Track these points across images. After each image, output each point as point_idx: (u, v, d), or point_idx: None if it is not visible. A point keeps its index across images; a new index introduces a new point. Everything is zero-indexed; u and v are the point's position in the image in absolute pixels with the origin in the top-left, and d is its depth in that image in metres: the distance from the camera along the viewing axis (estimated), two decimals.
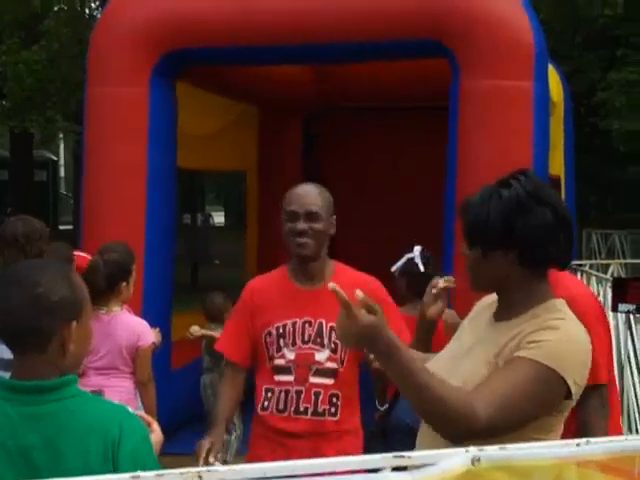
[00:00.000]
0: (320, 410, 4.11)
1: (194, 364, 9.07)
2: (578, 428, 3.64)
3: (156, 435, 2.96)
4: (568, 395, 2.74)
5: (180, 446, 7.93)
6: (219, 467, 1.66)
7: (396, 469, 1.95)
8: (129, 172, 7.99)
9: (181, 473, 1.61)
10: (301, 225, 4.13)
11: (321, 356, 4.12)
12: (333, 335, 4.08)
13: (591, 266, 11.34)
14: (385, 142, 11.77)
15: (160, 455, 6.20)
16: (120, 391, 5.69)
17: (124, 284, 5.83)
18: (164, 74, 8.42)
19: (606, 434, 3.48)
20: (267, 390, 4.20)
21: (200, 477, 1.62)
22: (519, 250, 2.80)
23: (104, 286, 5.71)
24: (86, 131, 8.51)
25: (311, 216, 4.12)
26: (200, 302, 8.62)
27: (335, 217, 4.23)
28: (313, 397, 4.10)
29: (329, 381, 4.09)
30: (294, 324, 4.15)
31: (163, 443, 5.39)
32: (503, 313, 2.89)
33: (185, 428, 8.57)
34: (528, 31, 8.02)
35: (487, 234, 2.81)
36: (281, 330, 4.16)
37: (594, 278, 9.56)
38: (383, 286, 4.28)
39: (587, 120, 20.54)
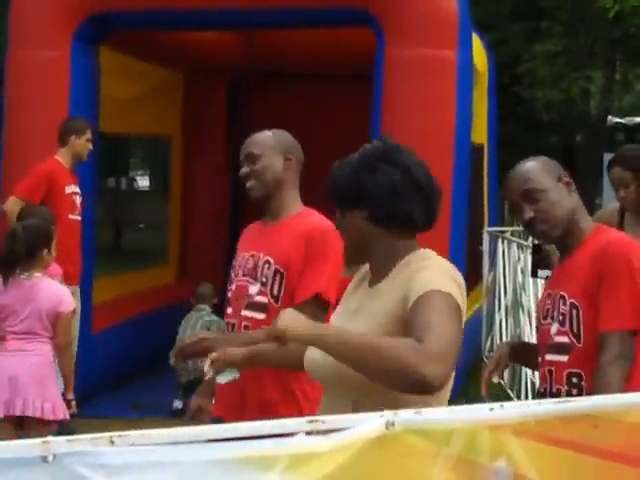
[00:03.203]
0: None
1: (115, 327, 9.06)
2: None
3: None
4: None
5: (99, 409, 7.98)
6: (130, 432, 1.66)
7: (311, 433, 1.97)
8: (50, 137, 7.88)
9: (92, 438, 1.61)
10: (243, 169, 4.15)
11: (253, 289, 4.08)
12: (265, 269, 4.05)
13: (512, 233, 11.43)
14: (311, 108, 11.76)
15: (80, 417, 6.19)
16: (38, 354, 5.69)
17: (45, 251, 5.79)
18: (86, 39, 8.33)
19: (620, 389, 3.20)
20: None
21: (112, 442, 1.62)
22: (369, 209, 2.89)
23: (24, 253, 5.67)
24: (6, 95, 8.40)
25: (249, 158, 4.13)
26: (122, 265, 8.64)
27: (293, 159, 4.16)
28: (243, 330, 4.05)
29: (259, 315, 4.03)
30: (243, 257, 4.17)
31: (80, 405, 5.33)
32: (375, 278, 2.95)
33: (105, 391, 8.58)
34: (452, 0, 8.06)
35: (340, 194, 2.94)
36: (234, 263, 4.22)
37: (515, 244, 9.66)
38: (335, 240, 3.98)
39: (511, 89, 20.69)
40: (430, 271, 2.80)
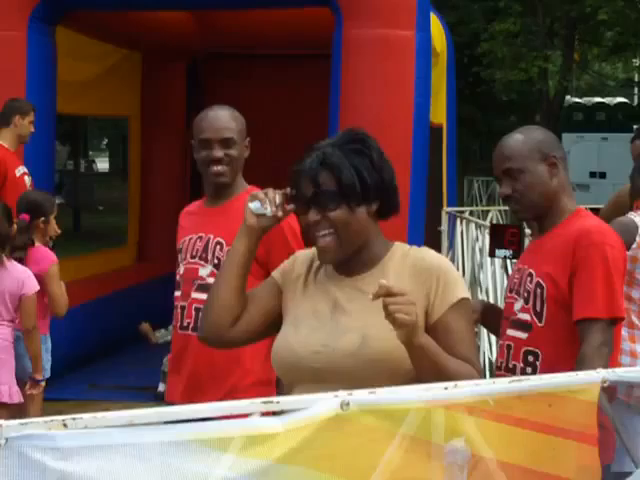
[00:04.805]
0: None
1: (75, 310, 9.00)
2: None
3: None
4: None
5: (58, 392, 7.93)
6: (83, 415, 1.66)
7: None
8: None
9: (45, 421, 1.60)
10: (216, 152, 4.02)
11: (204, 271, 4.05)
12: (217, 250, 4.04)
13: (471, 213, 11.46)
14: (272, 88, 11.72)
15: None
16: None
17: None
18: (42, 18, 8.24)
19: None
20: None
21: (65, 425, 1.61)
22: (381, 201, 2.88)
23: (9, 234, 5.74)
24: None
25: (226, 142, 4.02)
26: (82, 248, 8.57)
27: (249, 139, 4.13)
28: (194, 312, 4.02)
29: None
30: (190, 240, 4.12)
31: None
32: (352, 269, 2.90)
33: (65, 374, 8.54)
34: None
35: (360, 189, 2.82)
36: (181, 246, 4.16)
37: (473, 224, 9.70)
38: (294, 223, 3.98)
39: (470, 70, 20.75)
40: (453, 274, 2.88)
